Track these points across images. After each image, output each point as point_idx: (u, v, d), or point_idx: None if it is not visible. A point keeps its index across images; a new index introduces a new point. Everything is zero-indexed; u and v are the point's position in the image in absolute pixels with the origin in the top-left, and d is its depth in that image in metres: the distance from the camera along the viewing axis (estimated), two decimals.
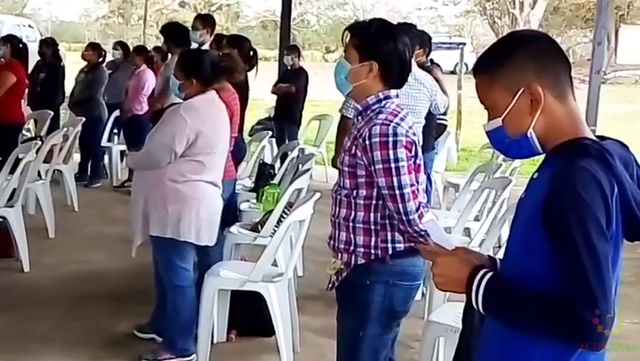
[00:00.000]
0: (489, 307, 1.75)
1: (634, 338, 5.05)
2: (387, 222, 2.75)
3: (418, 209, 2.69)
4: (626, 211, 1.68)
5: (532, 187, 1.78)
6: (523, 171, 6.94)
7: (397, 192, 2.67)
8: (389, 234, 2.76)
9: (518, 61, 1.76)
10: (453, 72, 18.79)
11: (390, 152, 2.66)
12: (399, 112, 2.76)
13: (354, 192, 2.76)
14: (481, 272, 1.76)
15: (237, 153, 5.19)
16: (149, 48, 9.72)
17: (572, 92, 1.80)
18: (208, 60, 4.20)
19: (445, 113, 6.44)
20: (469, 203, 5.43)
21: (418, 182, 2.75)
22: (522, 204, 1.82)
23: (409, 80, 2.69)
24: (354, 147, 2.74)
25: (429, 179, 3.26)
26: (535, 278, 1.70)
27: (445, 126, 7.19)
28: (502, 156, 6.28)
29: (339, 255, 2.84)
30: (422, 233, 2.63)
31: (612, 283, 1.64)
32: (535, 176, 1.80)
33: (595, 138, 1.76)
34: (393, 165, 2.67)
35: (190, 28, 6.43)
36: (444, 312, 3.62)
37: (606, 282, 1.60)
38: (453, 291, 1.87)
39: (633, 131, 16.95)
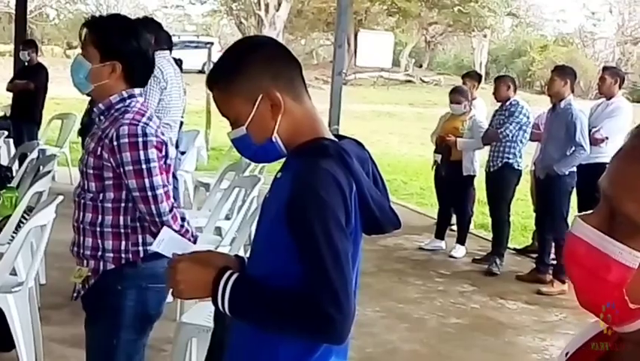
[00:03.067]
0: (236, 310, 1.75)
1: (376, 325, 5.37)
2: (137, 224, 2.67)
3: (171, 210, 2.64)
4: (363, 208, 1.76)
5: (276, 187, 1.81)
6: (271, 169, 7.10)
7: (150, 193, 2.60)
8: (140, 237, 2.68)
9: (252, 69, 1.78)
10: (201, 71, 18.83)
11: (141, 152, 2.58)
12: (145, 111, 2.69)
13: (101, 195, 2.64)
14: (227, 274, 1.75)
15: None
16: None
17: (307, 92, 1.86)
18: None
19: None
20: (220, 202, 5.46)
21: (169, 182, 2.70)
22: (266, 204, 1.84)
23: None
24: (99, 148, 2.62)
25: (175, 178, 3.21)
26: (280, 277, 1.73)
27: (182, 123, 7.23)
28: None
29: (85, 261, 2.70)
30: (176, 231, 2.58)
31: (353, 279, 1.70)
32: (279, 176, 1.83)
33: (333, 138, 1.82)
34: (144, 166, 2.59)
35: None
36: (196, 312, 3.59)
37: (347, 279, 1.67)
38: (197, 297, 1.84)
39: (372, 129, 18.07)
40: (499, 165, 6.96)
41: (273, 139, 1.79)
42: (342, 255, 1.66)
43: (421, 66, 37.62)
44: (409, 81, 33.49)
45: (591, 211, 0.99)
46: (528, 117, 6.98)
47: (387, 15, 36.03)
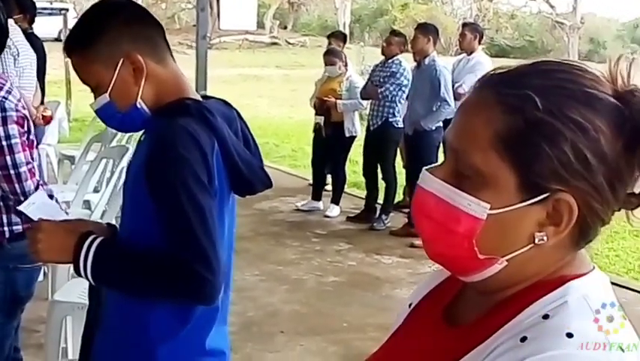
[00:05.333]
0: (100, 276, 1.69)
1: (256, 289, 5.38)
2: (1, 204, 2.56)
3: (37, 188, 2.53)
4: (229, 167, 1.73)
5: (139, 150, 1.78)
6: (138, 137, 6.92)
7: (12, 171, 2.48)
8: (5, 216, 2.57)
9: (111, 33, 1.73)
10: (57, 39, 18.06)
11: (0, 129, 2.45)
12: (3, 84, 2.54)
13: None
14: (90, 238, 1.69)
15: None
16: None
17: (171, 54, 1.82)
18: None
19: None
20: (87, 175, 5.29)
21: (33, 159, 2.58)
22: (131, 167, 1.81)
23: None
24: None
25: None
26: (148, 239, 1.68)
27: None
28: None
29: None
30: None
31: (220, 236, 1.67)
32: (143, 138, 1.80)
33: (197, 98, 1.79)
34: (4, 142, 2.46)
35: None
36: (69, 290, 3.48)
37: (213, 235, 1.63)
38: (57, 261, 1.78)
39: (240, 93, 17.97)
40: (379, 123, 7.04)
41: (138, 105, 1.74)
42: (207, 212, 1.62)
43: (285, 28, 37.58)
44: (275, 43, 33.42)
45: (438, 164, 0.99)
46: (408, 79, 7.00)
47: None
